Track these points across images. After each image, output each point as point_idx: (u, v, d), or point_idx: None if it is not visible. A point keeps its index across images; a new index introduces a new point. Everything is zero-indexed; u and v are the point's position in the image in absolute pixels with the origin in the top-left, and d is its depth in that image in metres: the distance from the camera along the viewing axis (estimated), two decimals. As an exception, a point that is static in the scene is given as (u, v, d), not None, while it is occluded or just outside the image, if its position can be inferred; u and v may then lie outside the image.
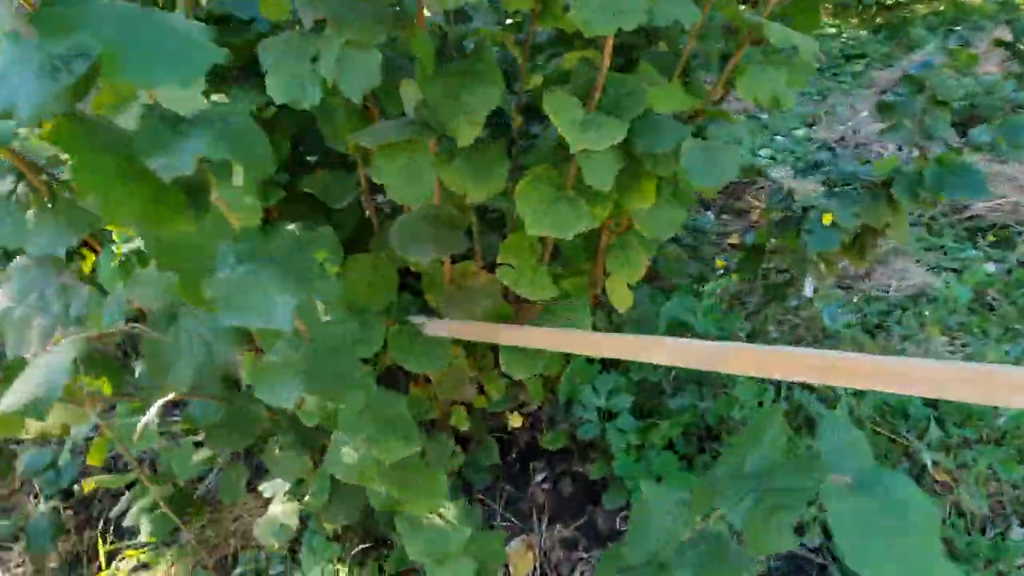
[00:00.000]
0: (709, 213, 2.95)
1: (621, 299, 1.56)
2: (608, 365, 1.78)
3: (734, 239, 2.66)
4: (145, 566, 1.59)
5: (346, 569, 1.47)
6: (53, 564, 1.72)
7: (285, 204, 1.40)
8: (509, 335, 1.27)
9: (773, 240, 1.66)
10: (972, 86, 3.32)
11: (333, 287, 0.73)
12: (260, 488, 1.52)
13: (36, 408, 0.71)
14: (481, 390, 1.64)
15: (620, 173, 1.26)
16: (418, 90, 1.05)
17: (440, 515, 1.21)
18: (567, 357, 1.66)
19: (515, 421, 1.62)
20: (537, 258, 1.36)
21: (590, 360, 1.68)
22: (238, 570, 1.53)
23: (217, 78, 1.23)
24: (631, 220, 1.39)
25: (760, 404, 1.52)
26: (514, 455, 1.78)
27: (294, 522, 1.43)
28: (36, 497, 1.84)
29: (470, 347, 1.57)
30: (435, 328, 1.35)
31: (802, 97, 3.96)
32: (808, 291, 2.03)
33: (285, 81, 0.89)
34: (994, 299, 2.33)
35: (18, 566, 1.70)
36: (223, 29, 1.21)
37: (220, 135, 0.57)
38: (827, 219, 1.54)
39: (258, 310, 0.64)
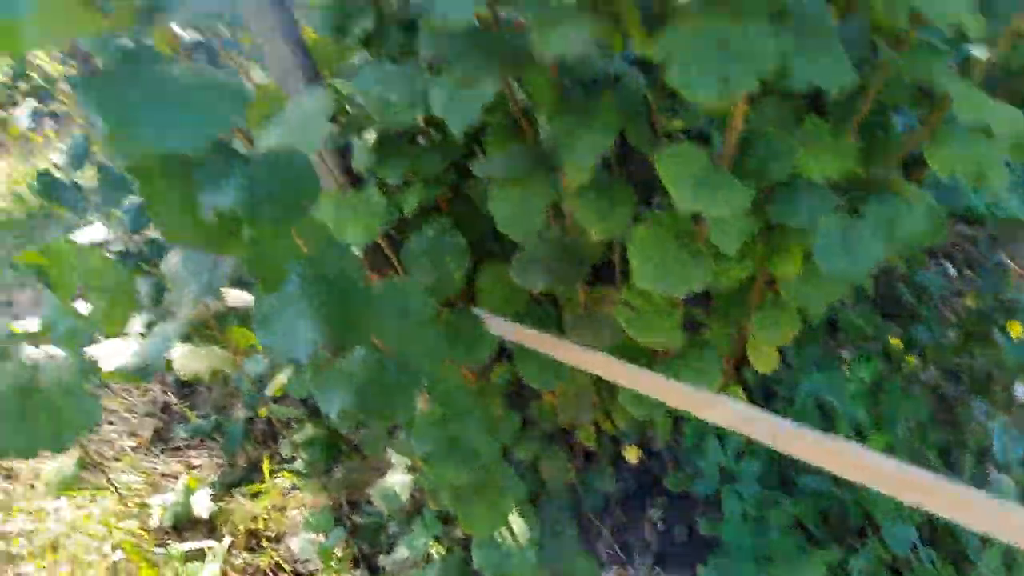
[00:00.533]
0: (948, 265, 2.53)
1: (764, 361, 1.44)
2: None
3: (971, 299, 2.26)
4: (294, 488, 1.84)
5: (444, 549, 1.57)
6: (241, 463, 2.06)
7: (452, 201, 1.51)
8: (566, 353, 1.25)
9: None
10: None
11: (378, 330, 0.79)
12: (388, 453, 1.68)
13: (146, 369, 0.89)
14: (607, 415, 1.62)
15: (765, 232, 1.16)
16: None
17: (509, 532, 1.25)
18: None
19: (631, 455, 1.58)
20: (669, 301, 1.30)
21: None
22: (360, 519, 1.71)
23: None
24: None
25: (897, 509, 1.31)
26: (635, 484, 1.74)
27: (405, 494, 1.56)
28: (240, 405, 2.21)
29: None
30: (497, 328, 1.35)
31: None
32: (1020, 393, 1.69)
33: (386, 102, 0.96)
34: None
35: (215, 457, 2.07)
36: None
37: (257, 181, 0.64)
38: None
39: (282, 338, 0.71)
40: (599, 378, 1.58)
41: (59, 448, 0.84)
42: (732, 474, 1.49)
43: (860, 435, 1.43)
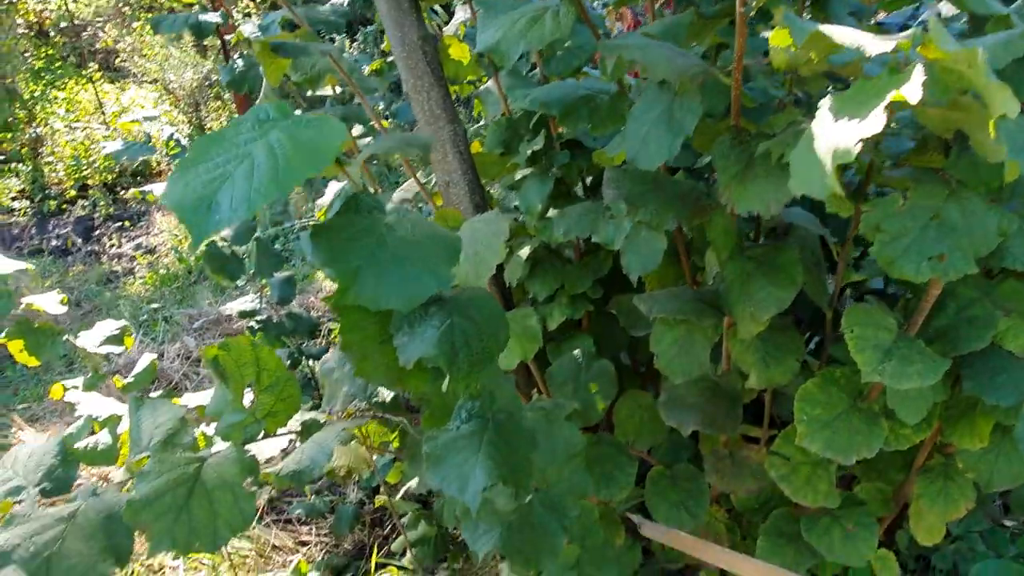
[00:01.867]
0: None
1: (927, 532, 1.29)
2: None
3: None
4: (398, 585, 1.82)
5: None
6: (347, 545, 2.06)
7: (594, 317, 1.49)
8: (728, 561, 1.16)
9: None
10: None
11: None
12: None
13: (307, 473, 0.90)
14: (736, 561, 1.50)
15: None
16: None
17: None
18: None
19: (760, 613, 1.45)
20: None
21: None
22: (460, 629, 1.65)
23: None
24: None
25: None
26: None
27: (515, 613, 1.49)
28: (354, 487, 2.22)
29: (730, 510, 1.46)
30: (650, 531, 1.29)
31: None
32: None
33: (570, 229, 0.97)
34: None
35: (322, 536, 2.08)
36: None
37: (455, 326, 0.65)
38: None
39: (453, 480, 0.70)
40: (728, 516, 1.48)
41: (213, 548, 0.85)
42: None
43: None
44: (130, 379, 1.73)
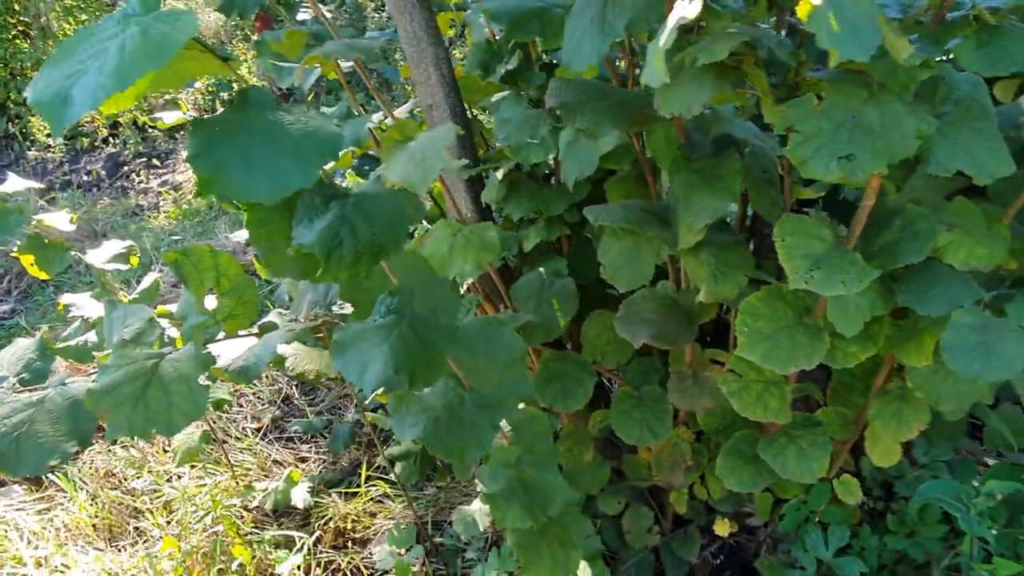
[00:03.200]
0: None
1: (883, 454, 1.32)
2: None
3: None
4: (386, 496, 1.90)
5: (517, 585, 1.56)
6: (344, 463, 2.16)
7: (572, 241, 1.51)
8: None
9: None
10: None
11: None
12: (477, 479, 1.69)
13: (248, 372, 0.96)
14: (703, 480, 1.55)
15: (899, 313, 1.07)
16: (670, 177, 1.04)
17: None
18: (808, 486, 1.46)
19: (722, 529, 1.49)
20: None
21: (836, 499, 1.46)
22: (440, 538, 1.74)
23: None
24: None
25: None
26: (727, 560, 1.64)
27: (484, 523, 1.56)
28: (352, 407, 2.31)
29: (700, 435, 1.50)
30: None
31: None
32: None
33: (515, 142, 0.98)
34: None
35: (321, 453, 2.18)
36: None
37: (346, 221, 0.68)
38: None
39: (354, 367, 0.74)
40: (696, 439, 1.52)
41: (170, 432, 0.91)
42: (831, 571, 1.37)
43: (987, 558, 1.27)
44: (135, 294, 1.82)
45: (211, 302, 1.08)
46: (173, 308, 1.49)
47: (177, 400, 0.92)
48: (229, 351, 1.05)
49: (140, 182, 4.63)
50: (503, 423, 1.14)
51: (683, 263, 1.16)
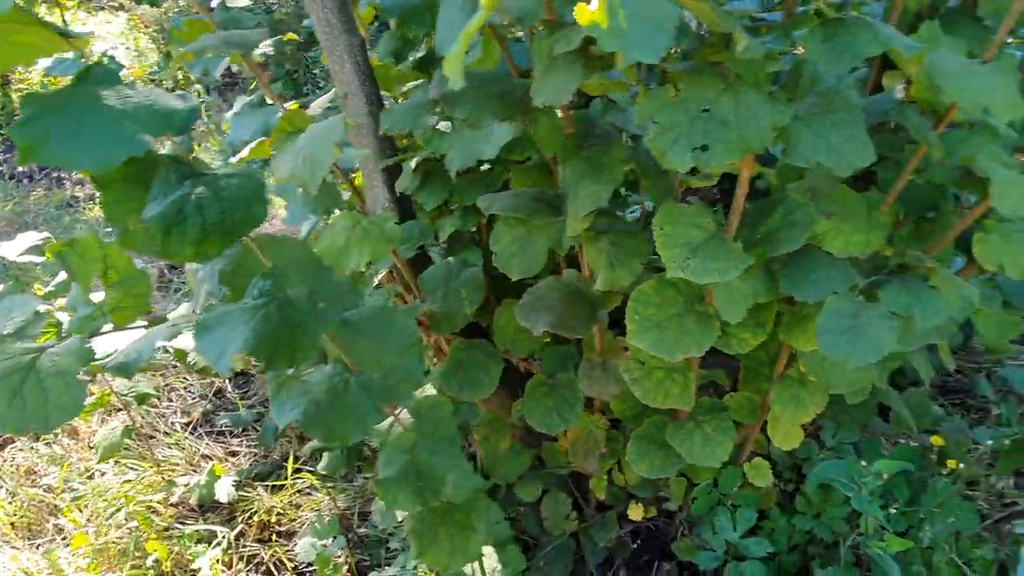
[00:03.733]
0: (1054, 363, 2.28)
1: (784, 437, 1.35)
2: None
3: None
4: (313, 488, 1.89)
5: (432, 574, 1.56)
6: (276, 456, 2.14)
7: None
8: None
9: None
10: None
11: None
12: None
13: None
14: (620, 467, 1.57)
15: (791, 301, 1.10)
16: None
17: (481, 570, 1.23)
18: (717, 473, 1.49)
19: (635, 513, 1.52)
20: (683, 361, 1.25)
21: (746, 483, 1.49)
22: (364, 529, 1.74)
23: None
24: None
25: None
26: (647, 544, 1.67)
27: (403, 512, 1.57)
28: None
29: (616, 423, 1.52)
30: None
31: None
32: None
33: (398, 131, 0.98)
34: None
35: (252, 447, 2.16)
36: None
37: (196, 200, 0.67)
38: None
39: (213, 348, 0.73)
40: (611, 426, 1.54)
41: (47, 429, 0.89)
42: (739, 552, 1.40)
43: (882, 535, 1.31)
44: (50, 288, 1.77)
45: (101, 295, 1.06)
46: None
47: (53, 396, 0.90)
48: (115, 345, 1.03)
49: (77, 173, 4.49)
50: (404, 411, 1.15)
51: (584, 251, 1.17)
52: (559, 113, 0.97)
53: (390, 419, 1.11)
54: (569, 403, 1.37)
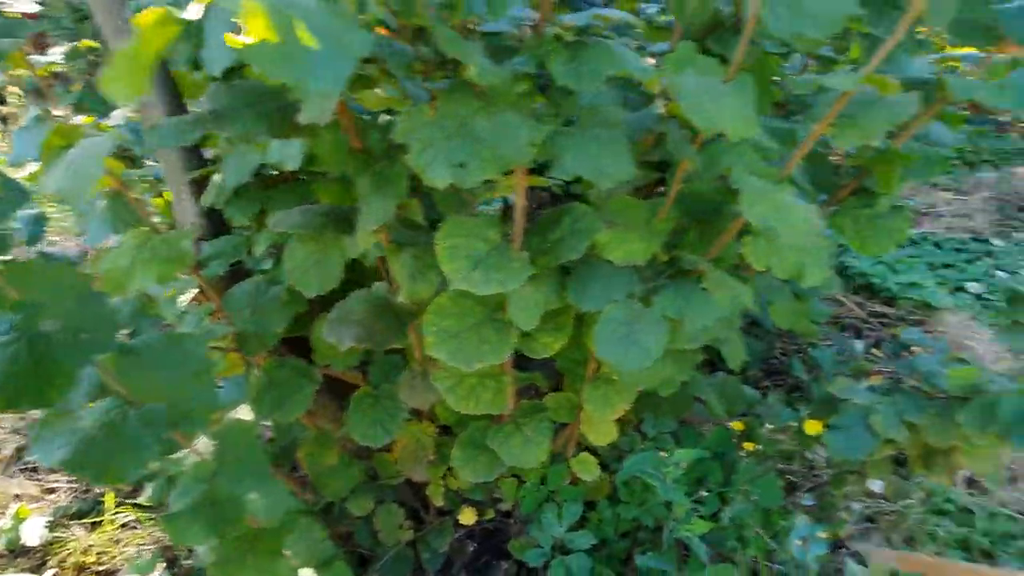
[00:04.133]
0: (857, 342, 2.54)
1: (598, 434, 1.41)
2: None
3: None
4: (137, 522, 1.78)
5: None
6: (97, 490, 1.99)
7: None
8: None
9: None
10: None
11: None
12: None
13: None
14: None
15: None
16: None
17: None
18: (546, 471, 1.54)
19: (466, 518, 1.54)
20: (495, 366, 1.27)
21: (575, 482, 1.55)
22: (190, 561, 1.65)
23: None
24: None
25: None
26: (487, 546, 1.70)
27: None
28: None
29: (445, 429, 1.53)
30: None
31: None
32: (877, 487, 1.68)
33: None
34: None
35: (71, 482, 1.99)
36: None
37: None
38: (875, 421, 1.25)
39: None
40: (444, 432, 1.55)
41: None
42: (566, 546, 1.45)
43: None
44: None
45: None
46: None
47: None
48: None
49: None
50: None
51: (389, 264, 1.17)
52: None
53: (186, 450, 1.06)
54: (391, 414, 1.36)
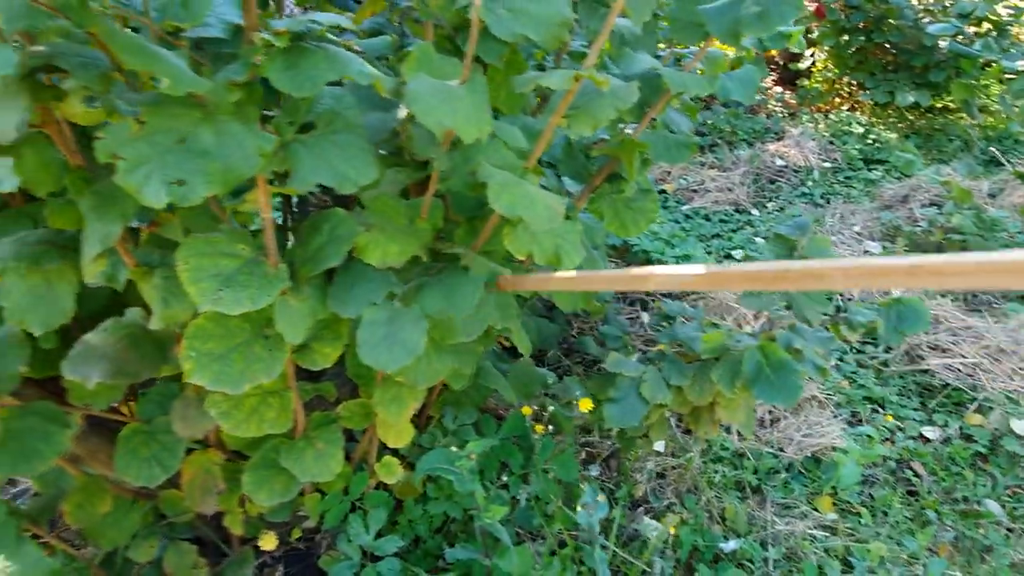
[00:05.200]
0: (644, 314, 2.75)
1: (395, 435, 1.41)
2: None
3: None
4: None
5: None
6: None
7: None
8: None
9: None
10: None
11: None
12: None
13: None
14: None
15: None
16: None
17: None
18: (349, 481, 1.51)
19: (267, 543, 1.48)
20: (278, 383, 1.22)
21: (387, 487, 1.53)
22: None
23: None
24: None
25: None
26: (296, 567, 1.64)
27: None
28: None
29: (236, 454, 1.45)
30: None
31: (801, 198, 3.72)
32: (661, 447, 1.83)
33: None
34: (916, 474, 2.07)
35: None
36: None
37: None
38: (644, 389, 1.35)
39: None
40: (227, 462, 1.46)
41: None
42: (375, 553, 1.44)
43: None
44: None
45: None
46: None
47: None
48: None
49: None
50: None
51: (140, 289, 1.07)
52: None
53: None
54: (170, 448, 1.26)
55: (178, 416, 1.25)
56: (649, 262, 2.95)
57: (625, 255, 3.05)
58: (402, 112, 0.99)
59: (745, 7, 1.09)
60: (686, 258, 2.95)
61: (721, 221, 3.44)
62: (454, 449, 1.33)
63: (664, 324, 1.52)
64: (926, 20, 4.25)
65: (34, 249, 0.90)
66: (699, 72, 1.33)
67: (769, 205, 3.66)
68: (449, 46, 1.19)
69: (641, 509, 1.85)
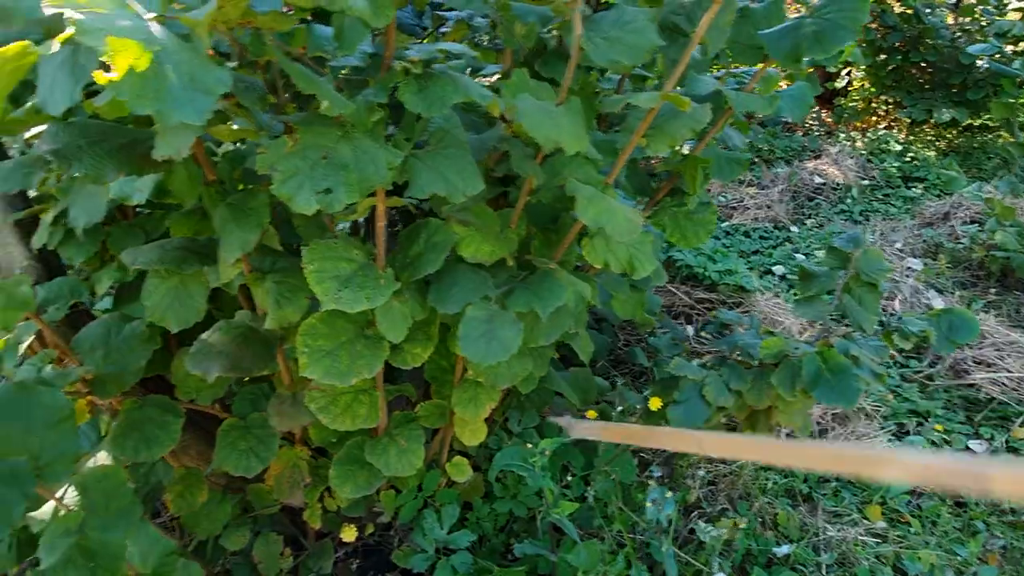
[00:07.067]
0: (687, 327, 2.81)
1: (470, 434, 1.49)
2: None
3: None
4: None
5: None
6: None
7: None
8: (665, 440, 1.20)
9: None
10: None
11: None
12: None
13: None
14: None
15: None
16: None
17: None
18: (422, 479, 1.60)
19: (347, 535, 1.56)
20: (365, 382, 1.31)
21: (450, 483, 1.62)
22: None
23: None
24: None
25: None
26: (370, 560, 1.72)
27: None
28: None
29: (319, 451, 1.54)
30: (580, 430, 1.33)
31: (840, 215, 3.76)
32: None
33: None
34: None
35: None
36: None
37: None
38: (707, 393, 1.43)
39: None
40: (319, 453, 1.56)
41: None
42: (448, 547, 1.52)
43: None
44: None
45: None
46: None
47: None
48: None
49: None
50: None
51: (253, 292, 1.18)
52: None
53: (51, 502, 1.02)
54: (264, 442, 1.36)
55: (275, 411, 1.35)
56: (693, 277, 3.02)
57: (668, 269, 3.12)
58: (502, 130, 1.08)
59: (803, 30, 1.17)
60: (729, 273, 3.01)
61: (761, 237, 3.50)
62: (528, 446, 1.41)
63: (722, 332, 1.58)
64: (962, 39, 4.29)
65: (174, 254, 1.00)
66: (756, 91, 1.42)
67: (808, 222, 3.70)
68: (529, 71, 1.29)
69: (695, 513, 1.90)
